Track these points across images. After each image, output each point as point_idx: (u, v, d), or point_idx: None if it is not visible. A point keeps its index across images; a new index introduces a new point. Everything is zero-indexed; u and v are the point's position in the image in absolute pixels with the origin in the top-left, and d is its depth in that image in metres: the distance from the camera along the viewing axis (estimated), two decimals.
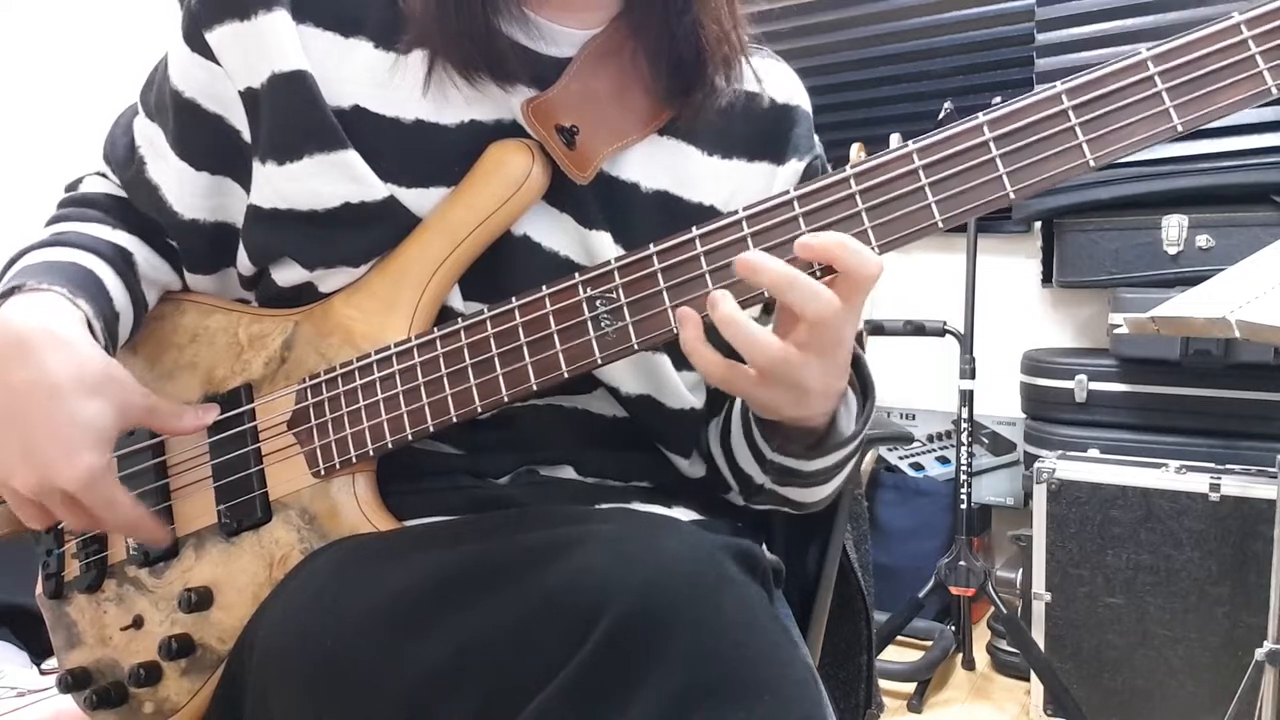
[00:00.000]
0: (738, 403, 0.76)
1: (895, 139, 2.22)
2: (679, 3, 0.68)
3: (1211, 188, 1.97)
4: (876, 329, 2.18)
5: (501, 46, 0.67)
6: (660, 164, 0.73)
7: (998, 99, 2.01)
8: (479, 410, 0.65)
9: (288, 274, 0.71)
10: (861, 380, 0.71)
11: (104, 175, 0.80)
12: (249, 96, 0.68)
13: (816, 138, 0.82)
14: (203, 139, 0.72)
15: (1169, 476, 1.75)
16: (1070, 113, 0.57)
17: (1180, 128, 0.56)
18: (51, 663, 1.34)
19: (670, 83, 0.70)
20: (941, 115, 1.99)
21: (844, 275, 0.57)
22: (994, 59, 2.46)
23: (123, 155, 0.77)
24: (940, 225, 0.59)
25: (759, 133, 0.77)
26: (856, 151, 2.28)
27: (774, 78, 0.79)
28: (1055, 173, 0.57)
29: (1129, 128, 0.57)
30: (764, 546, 0.82)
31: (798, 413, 0.63)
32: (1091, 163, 0.57)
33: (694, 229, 0.62)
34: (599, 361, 0.63)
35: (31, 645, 1.38)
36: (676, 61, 0.70)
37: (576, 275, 0.63)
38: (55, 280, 0.67)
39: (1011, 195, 0.58)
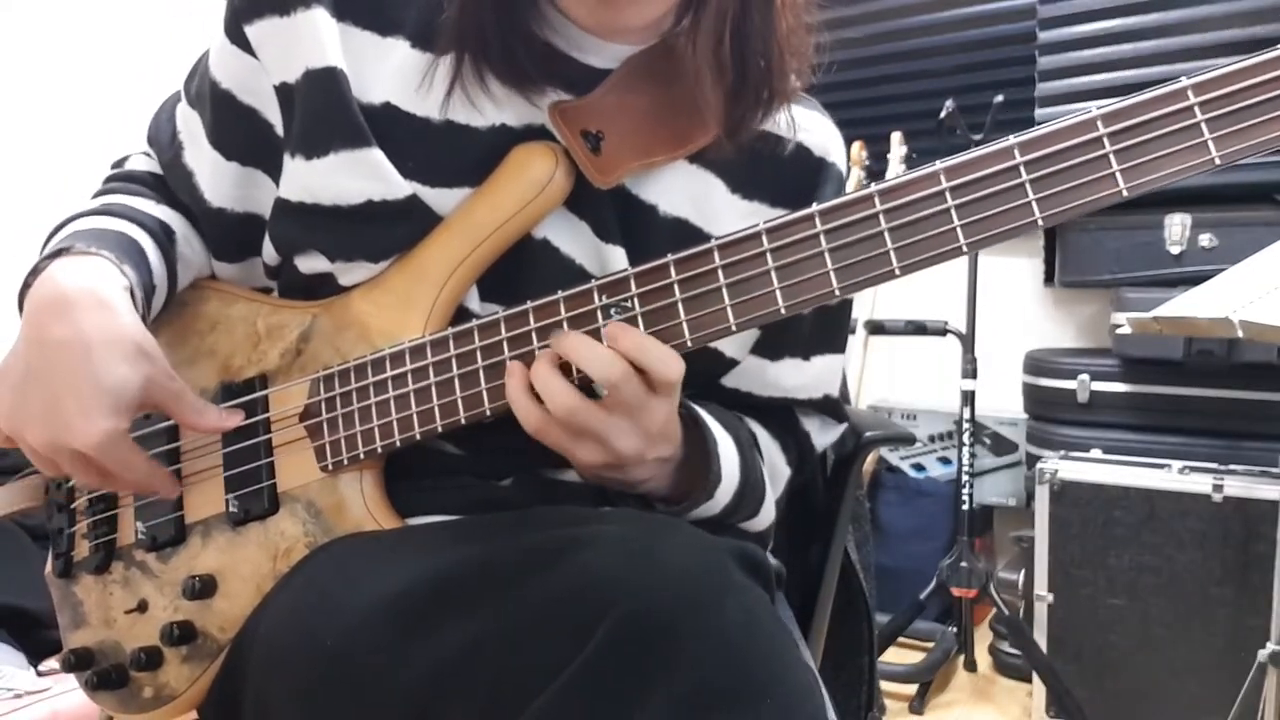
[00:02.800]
0: None
1: (896, 138, 2.23)
2: (737, 34, 0.67)
3: (1214, 187, 1.97)
4: (877, 329, 2.18)
5: (533, 54, 0.67)
6: (684, 191, 0.73)
7: (999, 98, 2.02)
8: (488, 414, 0.65)
9: (310, 263, 0.71)
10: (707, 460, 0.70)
11: (148, 154, 0.82)
12: (283, 91, 0.69)
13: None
14: (236, 130, 0.73)
15: (1172, 477, 1.75)
16: (1105, 140, 0.55)
17: (1218, 161, 0.54)
18: (48, 664, 1.34)
19: (708, 110, 0.69)
20: (943, 114, 1.98)
21: (649, 372, 0.61)
22: (995, 57, 2.46)
23: (165, 139, 0.79)
24: (964, 250, 0.58)
25: (787, 180, 0.76)
26: (857, 150, 2.28)
27: (815, 129, 0.78)
28: (1086, 201, 0.56)
29: (1165, 159, 0.55)
30: (767, 549, 0.82)
31: (613, 475, 0.66)
32: (1125, 193, 0.55)
33: (713, 240, 0.61)
34: None
35: (28, 647, 1.37)
36: (720, 90, 0.69)
37: (593, 282, 0.63)
38: (103, 245, 0.68)
39: (1040, 222, 0.56)
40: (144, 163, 0.82)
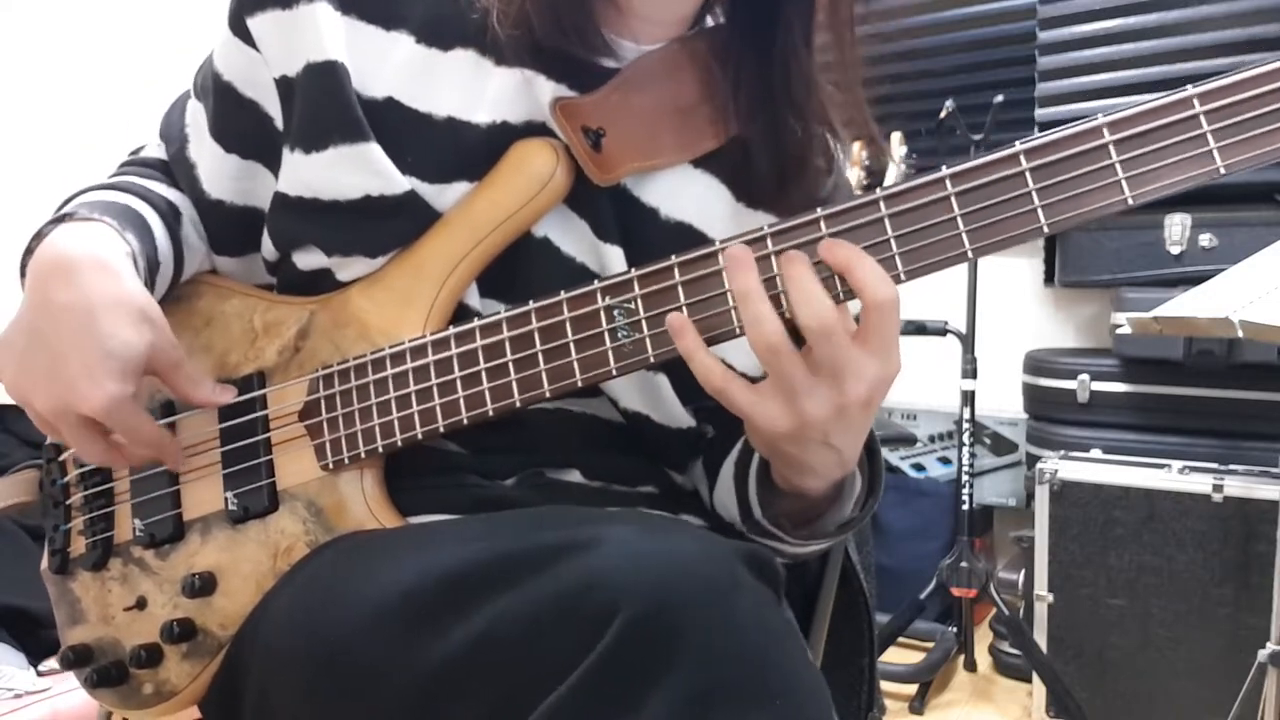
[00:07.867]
0: (734, 452, 0.75)
1: (896, 138, 2.23)
2: (780, 45, 0.67)
3: (1214, 187, 1.95)
4: None
5: (589, 14, 0.66)
6: (688, 195, 0.72)
7: (999, 98, 2.02)
8: (490, 413, 0.65)
9: (308, 258, 0.71)
10: (872, 476, 0.70)
11: (161, 146, 0.82)
12: (284, 84, 0.69)
13: None
14: (236, 122, 0.73)
15: (1172, 477, 1.75)
16: (1112, 148, 0.55)
17: (1223, 171, 0.54)
18: (49, 664, 1.34)
19: (728, 114, 0.69)
20: (943, 114, 1.98)
21: (856, 287, 0.56)
22: (995, 57, 2.46)
23: (174, 133, 0.79)
24: (970, 256, 0.57)
25: (793, 192, 0.76)
26: (857, 150, 2.28)
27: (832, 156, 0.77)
28: (1092, 209, 0.56)
29: (1170, 168, 0.55)
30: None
31: (787, 449, 0.61)
32: (1130, 201, 0.55)
33: (719, 242, 0.61)
34: (614, 372, 0.62)
35: (29, 647, 1.38)
36: (744, 97, 0.68)
37: (596, 283, 0.63)
38: (105, 213, 0.68)
39: (1046, 229, 0.56)
40: (156, 152, 0.82)
